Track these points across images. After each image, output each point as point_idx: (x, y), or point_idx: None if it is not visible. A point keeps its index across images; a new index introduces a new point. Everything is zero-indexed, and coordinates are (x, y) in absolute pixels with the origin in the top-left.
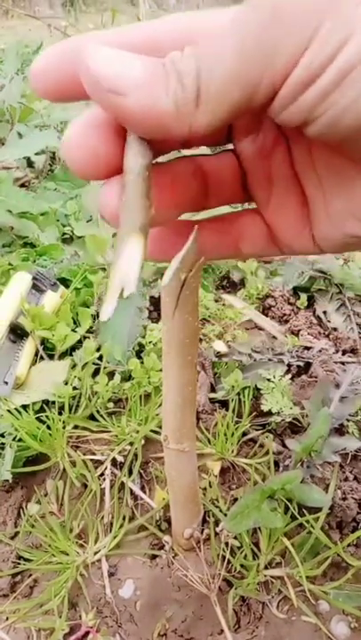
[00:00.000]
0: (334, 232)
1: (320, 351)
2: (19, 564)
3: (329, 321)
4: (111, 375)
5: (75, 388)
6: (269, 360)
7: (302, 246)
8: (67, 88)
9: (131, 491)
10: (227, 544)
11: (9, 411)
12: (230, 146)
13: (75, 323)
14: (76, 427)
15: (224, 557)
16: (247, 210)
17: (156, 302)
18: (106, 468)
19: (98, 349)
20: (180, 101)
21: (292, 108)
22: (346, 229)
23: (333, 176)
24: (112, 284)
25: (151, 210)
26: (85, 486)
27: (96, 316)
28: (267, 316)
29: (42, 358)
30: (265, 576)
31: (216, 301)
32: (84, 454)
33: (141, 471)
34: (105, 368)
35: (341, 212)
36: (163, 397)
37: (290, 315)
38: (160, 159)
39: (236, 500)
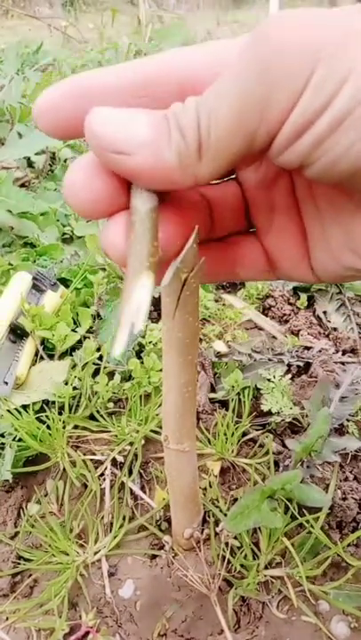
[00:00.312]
0: (332, 264)
1: (320, 351)
2: (19, 563)
3: (329, 321)
4: (111, 375)
5: (75, 388)
6: (269, 360)
7: (300, 275)
8: (71, 129)
9: (131, 491)
10: (227, 544)
11: (9, 411)
12: (233, 175)
13: (75, 323)
14: (76, 427)
15: (224, 557)
16: (247, 235)
17: (156, 302)
18: (106, 468)
19: (98, 349)
20: (183, 155)
21: (288, 153)
22: (344, 262)
23: (333, 210)
24: (122, 322)
25: (158, 250)
26: (85, 486)
27: (96, 316)
28: (267, 316)
29: (42, 358)
30: (265, 576)
31: (216, 301)
32: (84, 454)
33: (141, 471)
34: (105, 368)
35: (340, 246)
36: (163, 397)
37: (290, 315)
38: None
39: (236, 500)
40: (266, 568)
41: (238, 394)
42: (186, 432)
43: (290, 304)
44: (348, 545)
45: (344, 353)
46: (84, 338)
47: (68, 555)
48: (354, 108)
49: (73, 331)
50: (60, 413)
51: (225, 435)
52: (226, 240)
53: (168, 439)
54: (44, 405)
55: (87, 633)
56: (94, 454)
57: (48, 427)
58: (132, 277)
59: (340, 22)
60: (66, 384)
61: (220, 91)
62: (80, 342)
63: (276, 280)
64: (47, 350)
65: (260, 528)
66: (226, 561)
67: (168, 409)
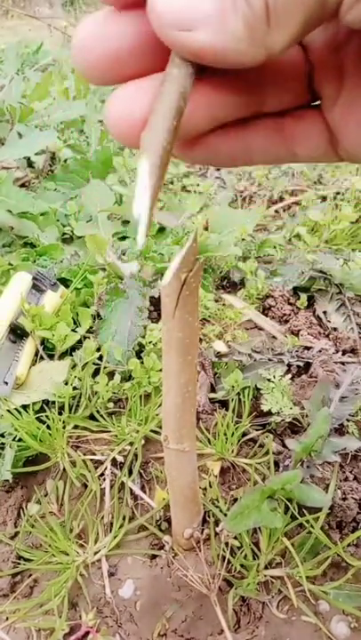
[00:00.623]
0: None
1: (320, 351)
2: (19, 564)
3: (329, 321)
4: (111, 375)
5: (75, 388)
6: (269, 360)
7: None
8: (111, 67)
9: (131, 491)
10: (227, 544)
11: (9, 411)
12: None
13: (75, 323)
14: (76, 427)
15: (224, 557)
16: (307, 109)
17: (156, 302)
18: (106, 468)
19: (98, 349)
20: (251, 24)
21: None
22: None
23: None
24: (134, 212)
25: (178, 131)
26: (85, 486)
27: (96, 316)
28: (267, 316)
29: (42, 358)
30: (265, 576)
31: (216, 301)
32: (84, 454)
33: (141, 471)
34: (105, 368)
35: None
36: (163, 397)
37: (290, 315)
38: None
39: (236, 500)
40: (266, 568)
41: (238, 394)
42: (186, 432)
43: (290, 304)
44: (349, 545)
45: (344, 353)
46: (84, 338)
47: (68, 555)
48: None
49: (73, 331)
50: (60, 413)
51: (225, 435)
52: (283, 116)
53: (168, 439)
54: (44, 405)
55: (87, 633)
56: (94, 454)
57: (48, 427)
58: (143, 159)
59: None
60: (66, 384)
61: None
62: (80, 342)
63: (339, 161)
64: (47, 350)
65: (260, 528)
66: (226, 561)
67: (168, 409)
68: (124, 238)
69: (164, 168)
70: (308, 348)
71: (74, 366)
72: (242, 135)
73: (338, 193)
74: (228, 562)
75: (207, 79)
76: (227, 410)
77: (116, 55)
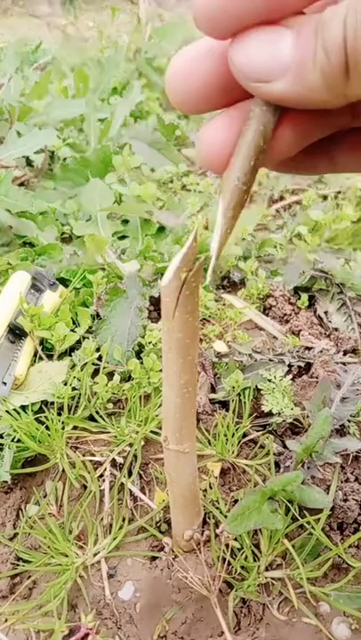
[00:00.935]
0: None
1: (321, 351)
2: (18, 565)
3: (330, 321)
4: (111, 375)
5: (74, 389)
6: (270, 360)
7: None
8: (204, 97)
9: (130, 492)
10: (227, 545)
11: (8, 411)
12: None
13: (74, 323)
14: (75, 427)
15: (224, 559)
16: None
17: (156, 302)
18: (105, 469)
19: (97, 349)
20: (328, 77)
21: None
22: None
23: None
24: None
25: (256, 169)
26: (85, 487)
27: (95, 316)
28: (267, 316)
29: (41, 358)
30: (265, 578)
31: (216, 301)
32: (84, 455)
33: (141, 472)
34: (104, 368)
35: None
36: (163, 398)
37: (291, 315)
38: None
39: (236, 501)
40: (266, 570)
41: (239, 394)
42: (186, 433)
43: (291, 304)
44: (349, 546)
45: (345, 353)
46: (84, 338)
47: (67, 556)
48: None
49: (72, 331)
50: (59, 414)
51: (225, 436)
52: None
53: (168, 440)
54: (43, 406)
55: (87, 634)
56: (94, 455)
57: (47, 427)
58: (220, 200)
59: None
60: (65, 384)
61: None
62: (79, 342)
63: None
64: (46, 350)
65: (260, 529)
66: (226, 562)
67: (168, 409)
68: (123, 238)
69: (239, 208)
70: (308, 349)
71: (73, 366)
72: (328, 149)
73: (339, 192)
74: (229, 563)
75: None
76: (227, 410)
77: (208, 87)
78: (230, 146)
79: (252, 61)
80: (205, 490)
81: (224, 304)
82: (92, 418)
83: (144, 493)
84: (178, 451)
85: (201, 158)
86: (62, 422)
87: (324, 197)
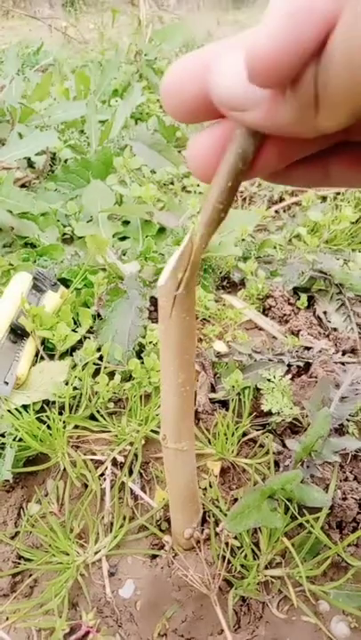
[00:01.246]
0: None
1: (320, 351)
2: (19, 563)
3: (329, 321)
4: (111, 375)
5: (75, 388)
6: (269, 360)
7: None
8: (197, 108)
9: (131, 491)
10: (227, 544)
11: (9, 411)
12: None
13: (75, 323)
14: (76, 427)
15: (224, 557)
16: None
17: (156, 302)
18: (106, 468)
19: (98, 349)
20: (299, 111)
21: None
22: None
23: None
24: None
25: (234, 189)
26: (86, 486)
27: (96, 316)
28: (267, 316)
29: (42, 358)
30: (265, 576)
31: (216, 301)
32: (85, 454)
33: (142, 471)
34: (105, 368)
35: None
36: (161, 396)
37: (290, 315)
38: None
39: (236, 500)
40: (266, 568)
41: (238, 394)
42: (184, 431)
43: (290, 304)
44: (349, 545)
45: (344, 353)
46: (85, 338)
47: (68, 555)
48: None
49: (73, 331)
50: (60, 413)
51: (225, 435)
52: None
53: (166, 438)
54: (45, 405)
55: (87, 633)
56: (95, 454)
57: (48, 427)
58: (199, 216)
59: None
60: (66, 384)
61: (336, 44)
62: (80, 342)
63: None
64: (47, 350)
65: (260, 528)
66: (226, 561)
67: (166, 408)
68: (124, 238)
69: (215, 224)
70: (308, 349)
71: (74, 366)
72: (321, 163)
73: (338, 193)
74: (229, 562)
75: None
76: (227, 410)
77: (201, 98)
78: (218, 156)
79: (227, 91)
80: (205, 488)
81: (224, 304)
82: (93, 417)
83: (145, 492)
84: (176, 449)
85: (190, 168)
86: (63, 421)
87: (324, 198)
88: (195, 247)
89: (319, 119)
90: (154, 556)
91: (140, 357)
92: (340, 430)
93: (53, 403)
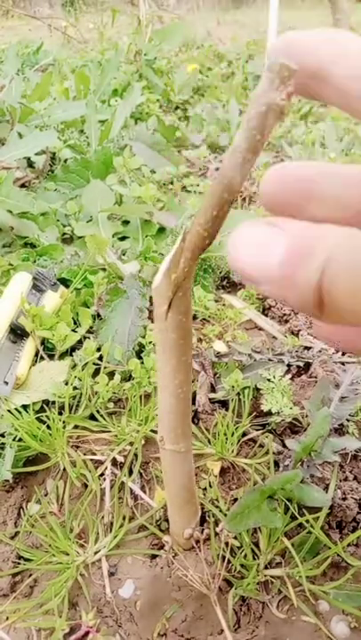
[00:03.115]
0: None
1: (320, 351)
2: (19, 563)
3: None
4: (111, 375)
5: (75, 388)
6: (269, 360)
7: None
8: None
9: (131, 490)
10: (227, 544)
11: (9, 411)
12: None
13: (75, 323)
14: (76, 427)
15: (224, 557)
16: None
17: None
18: (106, 468)
19: (98, 349)
20: (302, 305)
21: None
22: None
23: None
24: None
25: (229, 204)
26: (85, 486)
27: (96, 316)
28: (267, 316)
29: (42, 358)
30: (265, 576)
31: (216, 301)
32: (85, 454)
33: (141, 471)
34: (105, 368)
35: None
36: (158, 398)
37: (290, 315)
38: None
39: (236, 500)
40: (266, 568)
41: (238, 394)
42: (181, 432)
43: None
44: (348, 545)
45: (344, 353)
46: (84, 338)
47: (68, 554)
48: None
49: (73, 331)
50: (60, 413)
51: (225, 435)
52: None
53: (164, 440)
54: (45, 405)
55: (87, 633)
56: (94, 454)
57: (48, 427)
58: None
59: None
60: (66, 384)
61: (350, 260)
62: (80, 342)
63: None
64: (47, 350)
65: (260, 528)
66: (226, 561)
67: (163, 410)
68: (124, 238)
69: (198, 251)
70: (308, 348)
71: (74, 366)
72: None
73: None
74: (229, 562)
75: None
76: (227, 410)
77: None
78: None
79: (243, 265)
80: (205, 488)
81: (224, 304)
82: (92, 417)
83: (144, 492)
84: (174, 451)
85: (263, 202)
86: (63, 421)
87: None
88: (187, 247)
89: (321, 315)
90: (154, 556)
91: (139, 357)
92: (340, 430)
93: (53, 403)
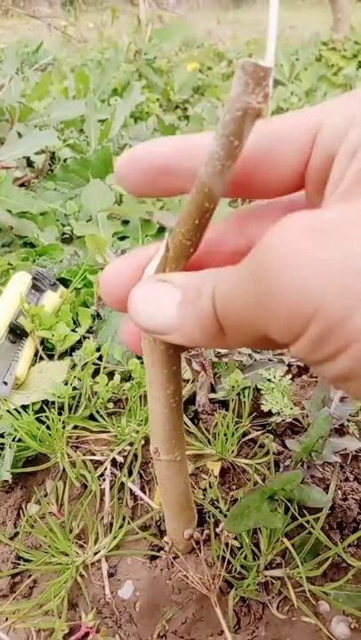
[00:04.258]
0: None
1: None
2: (18, 564)
3: None
4: (111, 375)
5: (74, 389)
6: (270, 360)
7: None
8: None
9: (130, 491)
10: (227, 545)
11: (9, 411)
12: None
13: (74, 323)
14: (75, 427)
15: (224, 558)
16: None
17: None
18: (106, 469)
19: (98, 349)
20: (208, 335)
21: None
22: None
23: None
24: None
25: (211, 212)
26: (85, 487)
27: (96, 316)
28: None
29: (41, 358)
30: (265, 577)
31: None
32: (84, 454)
33: (141, 471)
34: (105, 368)
35: None
36: (149, 409)
37: None
38: None
39: (236, 500)
40: (266, 569)
41: (238, 394)
42: (176, 441)
43: None
44: (349, 545)
45: None
46: (84, 338)
47: (67, 555)
48: (353, 374)
49: (73, 331)
50: (59, 413)
51: (225, 435)
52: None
53: (158, 451)
54: (44, 405)
55: (87, 633)
56: (94, 454)
57: (48, 427)
58: (171, 242)
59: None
60: (65, 384)
61: (231, 287)
62: (80, 342)
63: None
64: (47, 350)
65: (260, 528)
66: (226, 562)
67: (156, 422)
68: (123, 238)
69: (184, 260)
70: None
71: (73, 366)
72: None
73: None
74: (229, 562)
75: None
76: (227, 410)
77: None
78: (128, 287)
79: (145, 322)
80: (205, 489)
81: None
82: (92, 417)
83: (144, 492)
84: (169, 460)
85: (103, 295)
86: (63, 422)
87: None
88: (172, 257)
89: (227, 341)
90: (153, 557)
91: (139, 357)
92: (340, 430)
93: (53, 403)
